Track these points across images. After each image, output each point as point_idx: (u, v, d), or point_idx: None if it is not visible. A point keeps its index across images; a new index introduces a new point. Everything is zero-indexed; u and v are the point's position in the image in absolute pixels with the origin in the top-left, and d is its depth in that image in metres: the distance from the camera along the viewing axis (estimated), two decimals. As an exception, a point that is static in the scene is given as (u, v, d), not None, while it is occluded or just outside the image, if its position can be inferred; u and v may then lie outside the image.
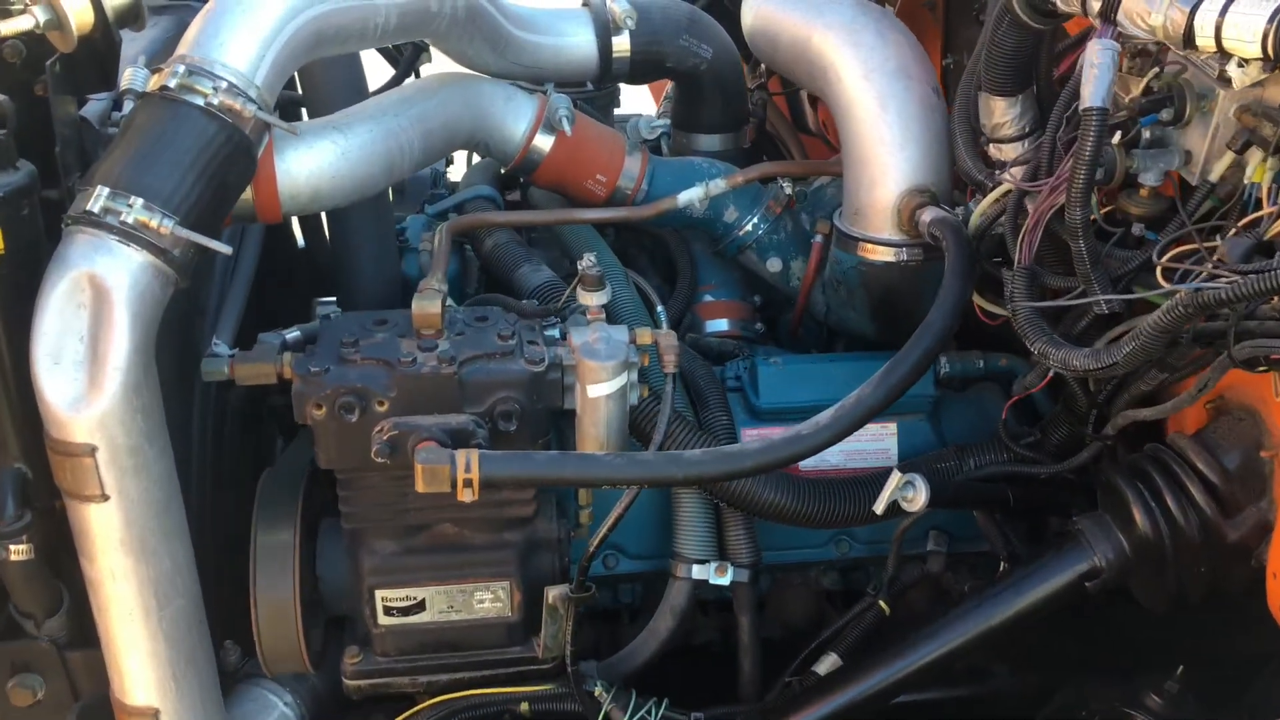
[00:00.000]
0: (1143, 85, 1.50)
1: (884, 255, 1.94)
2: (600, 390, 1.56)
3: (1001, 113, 1.73)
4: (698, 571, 1.91)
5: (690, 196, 2.13)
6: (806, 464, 2.01)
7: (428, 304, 1.64)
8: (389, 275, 2.14)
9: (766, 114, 2.83)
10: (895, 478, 1.77)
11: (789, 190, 2.23)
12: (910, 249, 1.92)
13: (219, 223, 1.53)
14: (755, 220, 2.22)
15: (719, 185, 2.14)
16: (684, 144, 2.42)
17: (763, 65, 2.53)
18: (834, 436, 1.59)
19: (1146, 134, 1.50)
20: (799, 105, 3.13)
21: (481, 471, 1.47)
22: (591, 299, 1.65)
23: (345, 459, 1.61)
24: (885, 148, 1.90)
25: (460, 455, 1.47)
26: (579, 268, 1.66)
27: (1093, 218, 1.51)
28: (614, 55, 2.19)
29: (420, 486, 1.47)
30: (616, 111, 2.71)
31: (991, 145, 1.77)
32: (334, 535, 1.76)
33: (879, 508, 1.79)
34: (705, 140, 2.39)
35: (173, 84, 1.48)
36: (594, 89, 2.39)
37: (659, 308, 2.23)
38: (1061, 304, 1.55)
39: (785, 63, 2.13)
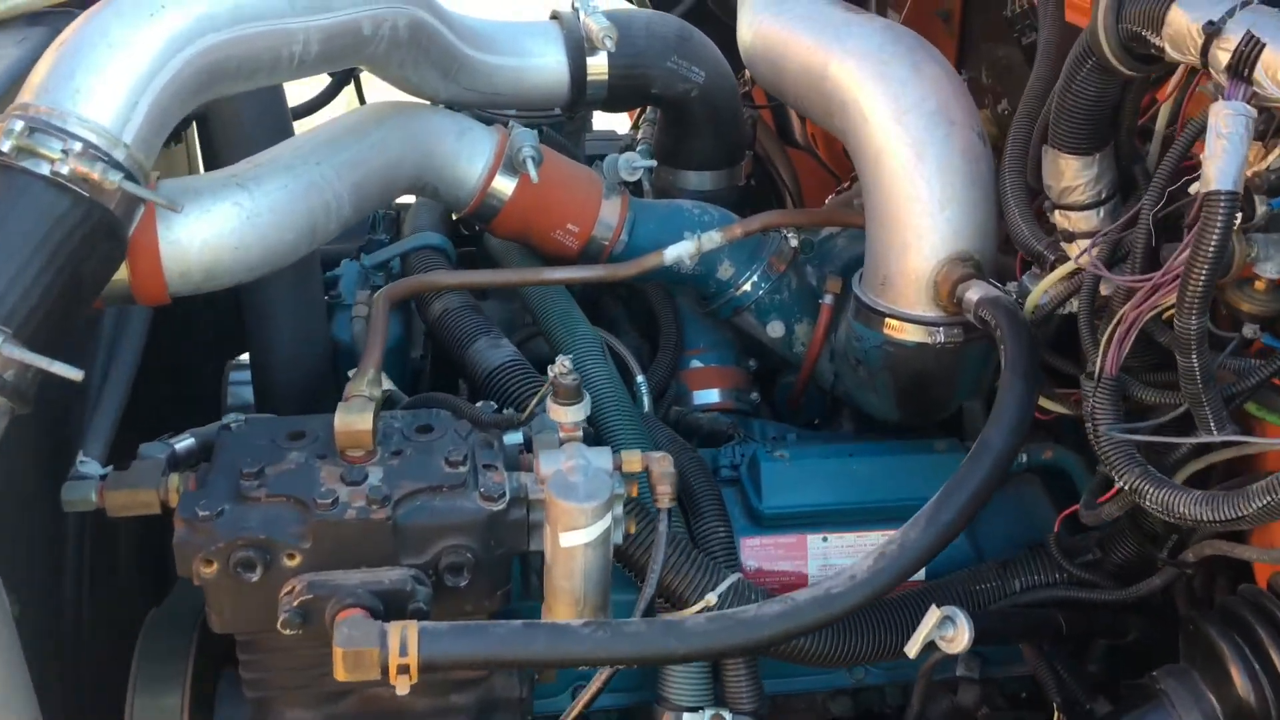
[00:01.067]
0: (1274, 156, 1.17)
1: (916, 335, 1.60)
2: (576, 539, 1.22)
3: (1074, 174, 1.39)
4: (690, 720, 1.58)
5: (679, 253, 1.78)
6: (815, 581, 1.69)
7: (355, 419, 1.28)
8: (314, 339, 1.78)
9: (755, 134, 2.49)
10: (932, 616, 1.44)
11: (794, 242, 1.89)
12: (949, 329, 1.59)
13: (71, 326, 1.16)
14: (754, 278, 1.87)
15: (713, 239, 1.79)
16: (669, 181, 2.06)
17: (746, 73, 2.18)
18: (872, 594, 1.26)
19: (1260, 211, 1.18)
20: (784, 115, 2.79)
21: (422, 653, 1.12)
22: (566, 415, 1.30)
23: (244, 623, 1.26)
24: (921, 206, 1.56)
25: (394, 632, 1.12)
26: (550, 372, 1.30)
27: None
28: (589, 79, 1.84)
29: (340, 674, 1.12)
30: (589, 135, 2.36)
31: (1058, 211, 1.44)
32: (235, 698, 1.40)
33: (913, 650, 1.45)
34: (695, 178, 2.04)
35: (6, 146, 1.10)
36: (564, 116, 2.03)
37: (639, 378, 1.90)
38: (1167, 439, 1.23)
39: (793, 93, 1.78)
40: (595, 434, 1.64)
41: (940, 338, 1.59)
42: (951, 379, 1.65)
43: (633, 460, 1.30)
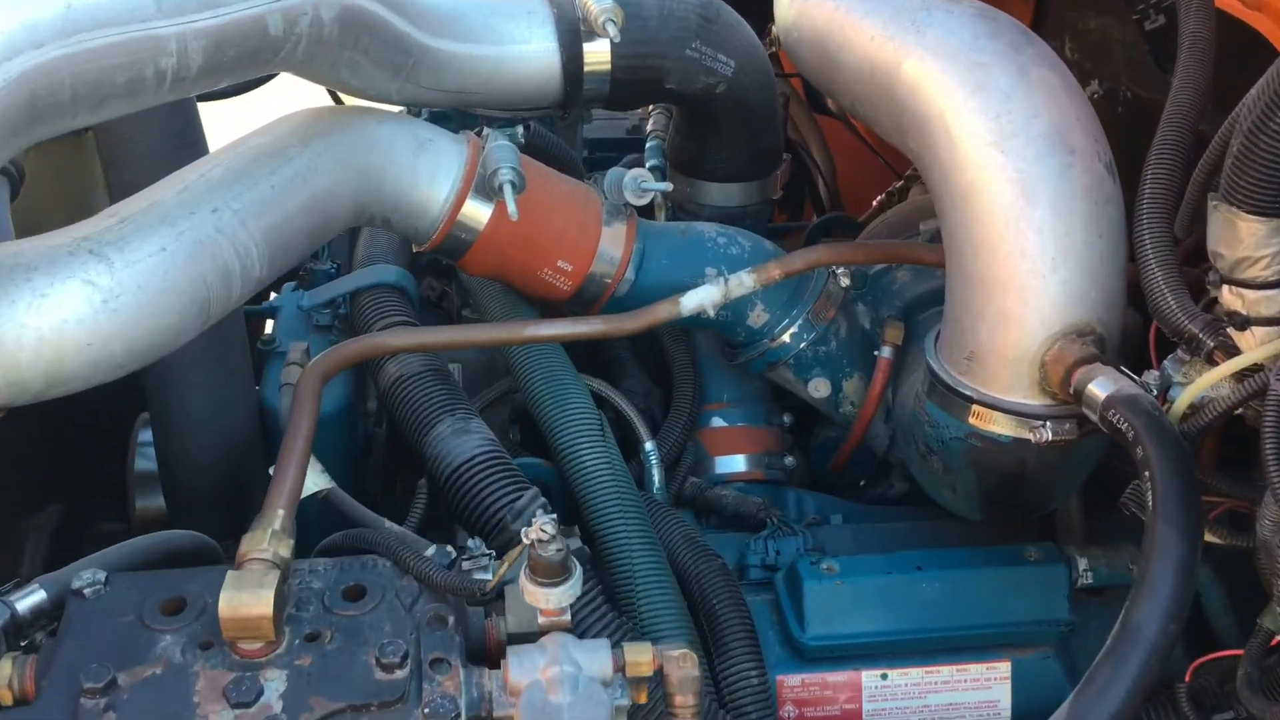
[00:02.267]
0: None
1: (1012, 429, 1.22)
2: (560, 788, 0.85)
3: (1258, 242, 1.00)
4: None
5: (700, 301, 1.39)
6: (874, 723, 1.34)
7: (248, 601, 0.91)
8: (235, 404, 1.40)
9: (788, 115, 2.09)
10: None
11: (846, 281, 1.50)
12: (1058, 423, 1.20)
13: None
14: (795, 327, 1.49)
15: (743, 283, 1.40)
16: (686, 194, 1.66)
17: (772, 29, 1.75)
18: None
19: None
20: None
21: None
22: (547, 599, 0.92)
23: None
24: (1029, 264, 1.16)
25: None
26: (525, 535, 0.92)
27: None
28: (586, 71, 1.43)
29: None
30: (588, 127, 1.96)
31: (1227, 287, 1.05)
32: None
33: None
34: (718, 192, 1.64)
35: None
36: (555, 115, 1.62)
37: (647, 445, 1.52)
38: None
39: (850, 95, 1.37)
40: (593, 553, 1.27)
41: (1046, 435, 1.20)
42: (1055, 481, 1.28)
43: (641, 661, 0.92)
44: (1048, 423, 1.20)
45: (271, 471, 1.13)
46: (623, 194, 1.43)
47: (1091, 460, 1.27)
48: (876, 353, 1.51)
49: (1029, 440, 1.21)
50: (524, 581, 0.92)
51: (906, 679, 1.33)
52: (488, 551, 1.08)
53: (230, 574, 0.93)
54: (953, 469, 1.30)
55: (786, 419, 1.67)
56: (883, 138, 1.37)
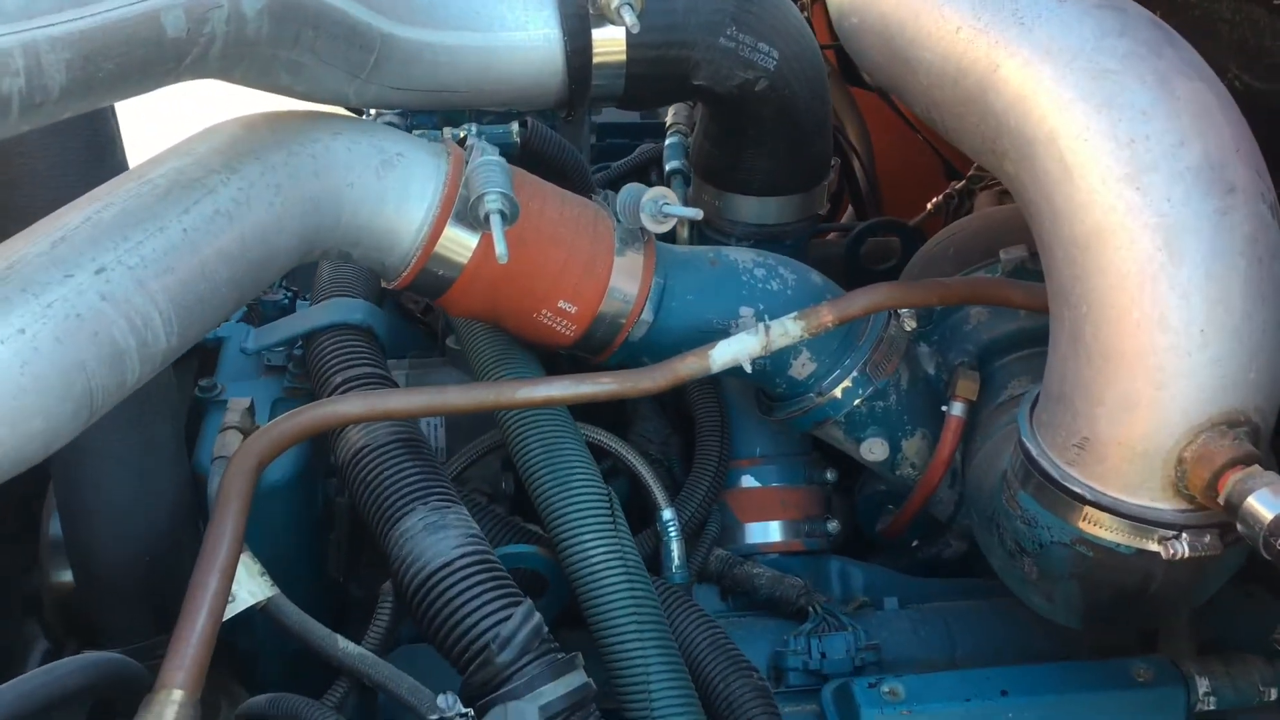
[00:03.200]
0: None
1: (1135, 539, 0.95)
2: None
3: None
4: None
5: (735, 353, 1.13)
6: None
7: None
8: (161, 486, 1.14)
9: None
10: None
11: (911, 324, 1.23)
12: (1196, 535, 0.93)
13: None
14: (848, 382, 1.22)
15: (789, 331, 1.13)
16: (714, 209, 1.38)
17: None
18: None
19: None
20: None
21: None
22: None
23: None
24: (1169, 338, 0.89)
25: None
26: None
27: None
28: (596, 65, 1.16)
29: None
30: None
31: None
32: None
33: None
34: (754, 207, 1.36)
35: None
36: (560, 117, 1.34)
37: (664, 513, 1.27)
38: None
39: (925, 100, 1.09)
40: (602, 664, 1.02)
41: (1182, 550, 0.93)
42: (1182, 600, 1.02)
43: None
44: (1184, 534, 0.93)
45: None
46: (639, 219, 1.16)
47: (1229, 573, 1.01)
48: (945, 409, 1.24)
49: (1157, 554, 0.95)
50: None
51: (987, 830, 1.09)
52: (464, 711, 0.83)
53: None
54: (1052, 577, 1.04)
55: (830, 475, 1.41)
56: (970, 155, 1.10)
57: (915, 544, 1.43)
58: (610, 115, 1.92)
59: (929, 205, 1.76)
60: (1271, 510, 0.84)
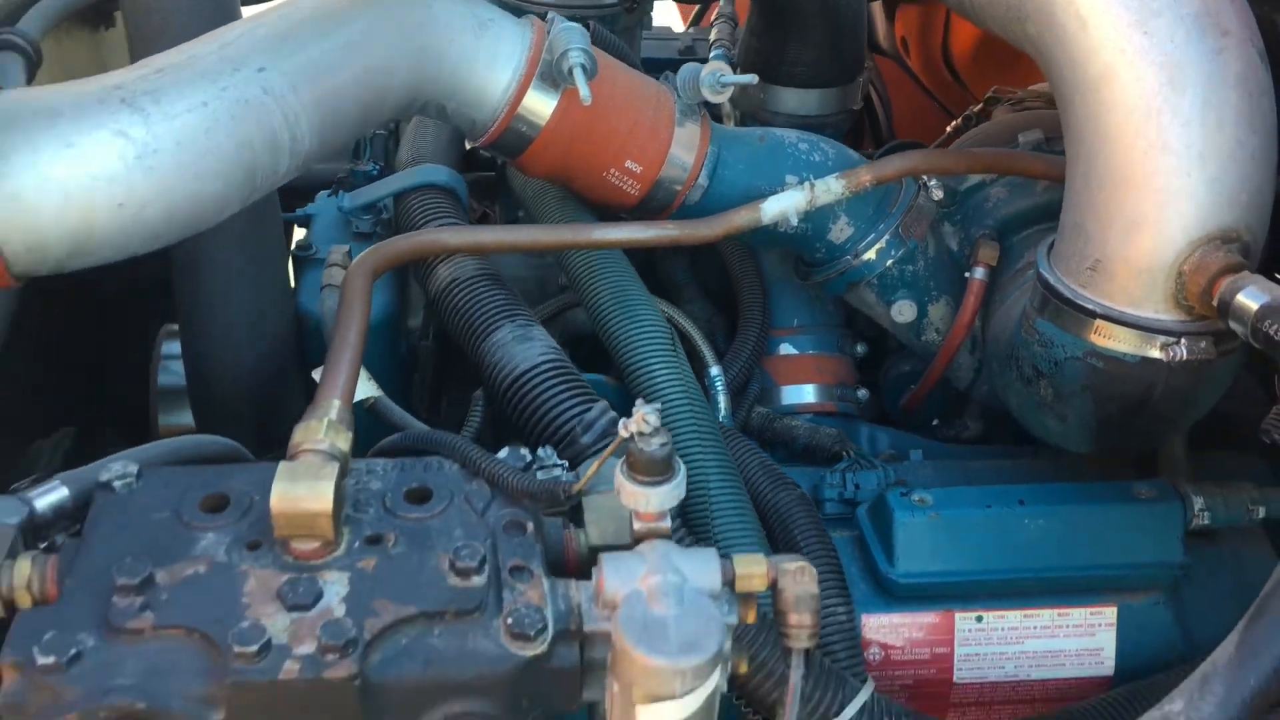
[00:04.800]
0: None
1: (1141, 347, 1.09)
2: (664, 715, 0.73)
3: None
4: None
5: (784, 207, 1.27)
6: (964, 674, 1.22)
7: (304, 495, 0.79)
8: (271, 311, 1.28)
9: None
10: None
11: (938, 194, 1.38)
12: (1194, 340, 1.07)
13: None
14: (881, 243, 1.36)
15: (831, 189, 1.28)
16: (758, 102, 1.53)
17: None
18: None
19: None
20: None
21: None
22: (648, 501, 0.80)
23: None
24: (1173, 160, 1.03)
25: None
26: (624, 427, 0.79)
27: None
28: (660, -45, 1.30)
29: None
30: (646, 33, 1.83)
31: None
32: None
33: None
34: (795, 99, 1.51)
35: None
36: (619, 7, 1.49)
37: (713, 369, 1.40)
38: None
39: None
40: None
41: (1180, 353, 1.07)
42: (1180, 409, 1.15)
43: (754, 574, 0.80)
44: (1183, 340, 1.07)
45: (316, 375, 1.01)
46: (699, 91, 1.30)
47: (1221, 386, 1.15)
48: (968, 274, 1.38)
49: (1159, 360, 1.09)
50: (621, 480, 0.80)
51: (1003, 623, 1.22)
52: (560, 462, 0.96)
53: (283, 465, 0.81)
54: (1065, 395, 1.17)
55: (860, 349, 1.55)
56: (989, 27, 1.24)
57: (935, 423, 1.57)
58: (651, 51, 2.06)
59: (948, 129, 1.90)
60: (1257, 301, 0.98)
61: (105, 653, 0.74)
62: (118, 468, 0.87)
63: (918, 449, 1.45)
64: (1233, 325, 1.01)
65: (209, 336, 1.26)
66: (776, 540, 1.19)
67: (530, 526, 0.85)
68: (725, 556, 0.80)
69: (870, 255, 1.36)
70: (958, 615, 1.21)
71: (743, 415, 1.44)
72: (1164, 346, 1.08)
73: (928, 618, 1.21)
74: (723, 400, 1.40)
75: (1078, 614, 1.22)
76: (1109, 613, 1.23)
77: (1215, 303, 1.02)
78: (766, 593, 0.82)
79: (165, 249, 1.03)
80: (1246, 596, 1.25)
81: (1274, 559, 1.29)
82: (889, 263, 1.37)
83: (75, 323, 1.59)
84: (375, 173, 1.50)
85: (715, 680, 0.75)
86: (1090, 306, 1.11)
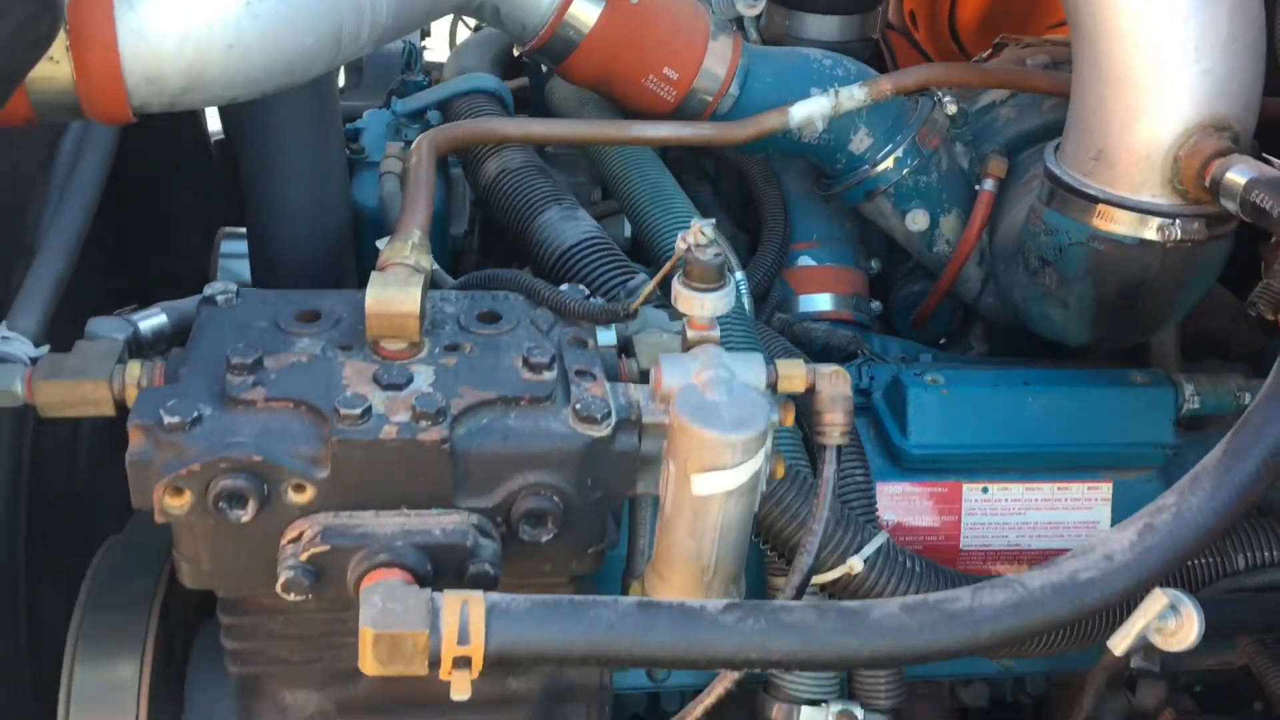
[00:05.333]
0: None
1: (1139, 229, 1.19)
2: (717, 483, 0.83)
3: None
4: (808, 718, 1.21)
5: (810, 112, 1.37)
6: (969, 541, 1.32)
7: (396, 295, 0.89)
8: (333, 201, 1.38)
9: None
10: (1156, 602, 1.06)
11: (952, 108, 1.48)
12: (1187, 221, 1.18)
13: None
14: (898, 153, 1.46)
15: (855, 96, 1.38)
16: (782, 28, 1.63)
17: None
18: (1137, 584, 0.87)
19: None
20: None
21: (491, 639, 0.75)
22: (702, 306, 0.89)
23: (229, 577, 0.88)
24: (1170, 54, 1.14)
25: (450, 607, 0.75)
26: (681, 241, 0.89)
27: None
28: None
29: (369, 666, 0.75)
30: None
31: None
32: (214, 668, 1.03)
33: (1121, 646, 1.07)
34: (816, 24, 1.61)
35: None
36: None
37: (737, 274, 1.50)
38: None
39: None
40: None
41: (1175, 233, 1.18)
42: (1174, 291, 1.25)
43: (794, 375, 0.90)
44: (1177, 221, 1.18)
45: (381, 244, 1.10)
46: (733, 5, 1.41)
47: (1211, 273, 1.25)
48: (978, 187, 1.48)
49: (1154, 242, 1.19)
50: (678, 288, 0.90)
51: (1007, 494, 1.31)
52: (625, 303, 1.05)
53: (375, 274, 0.90)
54: (1068, 280, 1.28)
55: (874, 265, 1.65)
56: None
57: (942, 342, 1.67)
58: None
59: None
60: (1245, 177, 1.08)
61: (222, 419, 0.83)
62: (219, 286, 0.96)
63: (927, 354, 1.54)
64: (1224, 203, 1.11)
65: (274, 226, 1.35)
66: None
67: (591, 342, 0.95)
68: (769, 361, 0.90)
69: (888, 164, 1.46)
70: (965, 486, 1.31)
71: (765, 319, 1.53)
72: (1160, 228, 1.19)
73: (937, 487, 1.31)
74: (746, 303, 1.50)
75: (1076, 489, 1.32)
76: (1105, 488, 1.32)
77: (1208, 183, 1.13)
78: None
79: (235, 148, 1.14)
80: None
81: (1258, 448, 1.39)
82: (905, 171, 1.47)
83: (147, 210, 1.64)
84: (424, 82, 1.60)
85: (761, 459, 0.85)
86: (1093, 193, 1.21)
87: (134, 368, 0.91)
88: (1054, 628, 0.87)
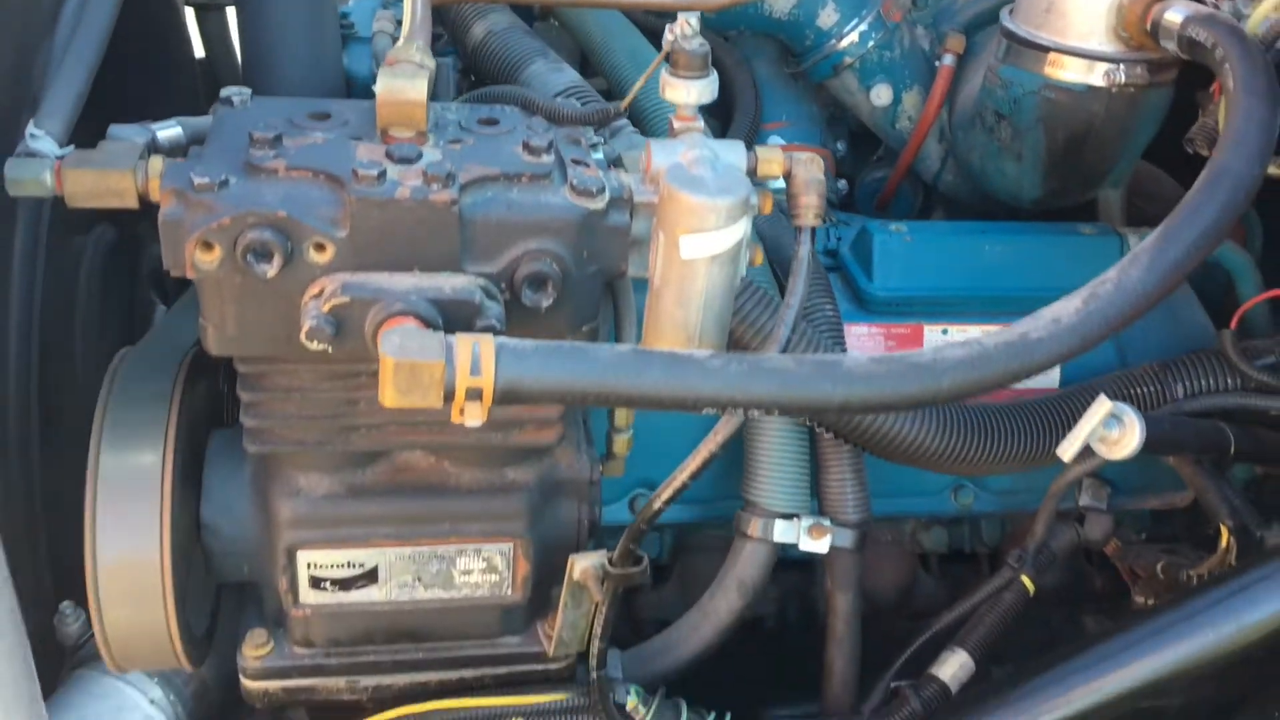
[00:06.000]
0: None
1: (1086, 75, 1.29)
2: (703, 246, 0.91)
3: None
4: (781, 531, 1.30)
5: (780, -22, 1.45)
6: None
7: (404, 85, 0.96)
8: (328, 67, 1.44)
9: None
10: (1099, 409, 1.16)
11: (914, -14, 1.57)
12: (1130, 67, 1.28)
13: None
14: (863, 27, 1.55)
15: (823, -34, 1.47)
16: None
17: None
18: (1080, 345, 0.96)
19: None
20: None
21: (501, 373, 0.82)
22: (687, 93, 0.97)
23: (252, 339, 0.94)
24: (1113, -94, 1.24)
25: (462, 343, 0.82)
26: (669, 34, 0.97)
27: None
28: None
29: (389, 397, 0.82)
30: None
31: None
32: (232, 456, 1.10)
33: (1069, 451, 1.17)
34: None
35: None
36: None
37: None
38: None
39: None
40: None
41: (1120, 77, 1.28)
42: (1119, 138, 1.35)
43: (772, 159, 0.99)
44: (1121, 65, 1.27)
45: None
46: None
47: (1153, 122, 1.35)
48: (937, 62, 1.57)
49: (1101, 88, 1.29)
50: (666, 78, 0.98)
51: (965, 335, 1.39)
52: (595, 140, 1.13)
53: (384, 67, 0.97)
54: (1022, 130, 1.37)
55: (840, 146, 1.74)
56: None
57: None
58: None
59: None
60: (1181, 15, 1.18)
61: (248, 184, 0.90)
62: (234, 90, 1.03)
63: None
64: (1164, 44, 1.21)
65: (272, 78, 1.41)
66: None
67: (584, 142, 1.03)
68: (749, 148, 0.98)
69: (853, 38, 1.55)
70: (926, 327, 1.40)
71: (737, 191, 1.61)
72: (1106, 74, 1.28)
73: (900, 329, 1.40)
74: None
75: (1030, 332, 1.41)
76: (1056, 332, 1.42)
77: (1148, 27, 1.22)
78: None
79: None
80: (1175, 329, 1.46)
81: (1197, 303, 1.50)
82: (870, 45, 1.56)
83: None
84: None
85: (743, 229, 0.93)
86: (1044, 43, 1.31)
87: (156, 162, 0.97)
88: (1006, 382, 0.95)
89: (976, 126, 1.45)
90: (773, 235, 1.38)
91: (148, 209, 0.95)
